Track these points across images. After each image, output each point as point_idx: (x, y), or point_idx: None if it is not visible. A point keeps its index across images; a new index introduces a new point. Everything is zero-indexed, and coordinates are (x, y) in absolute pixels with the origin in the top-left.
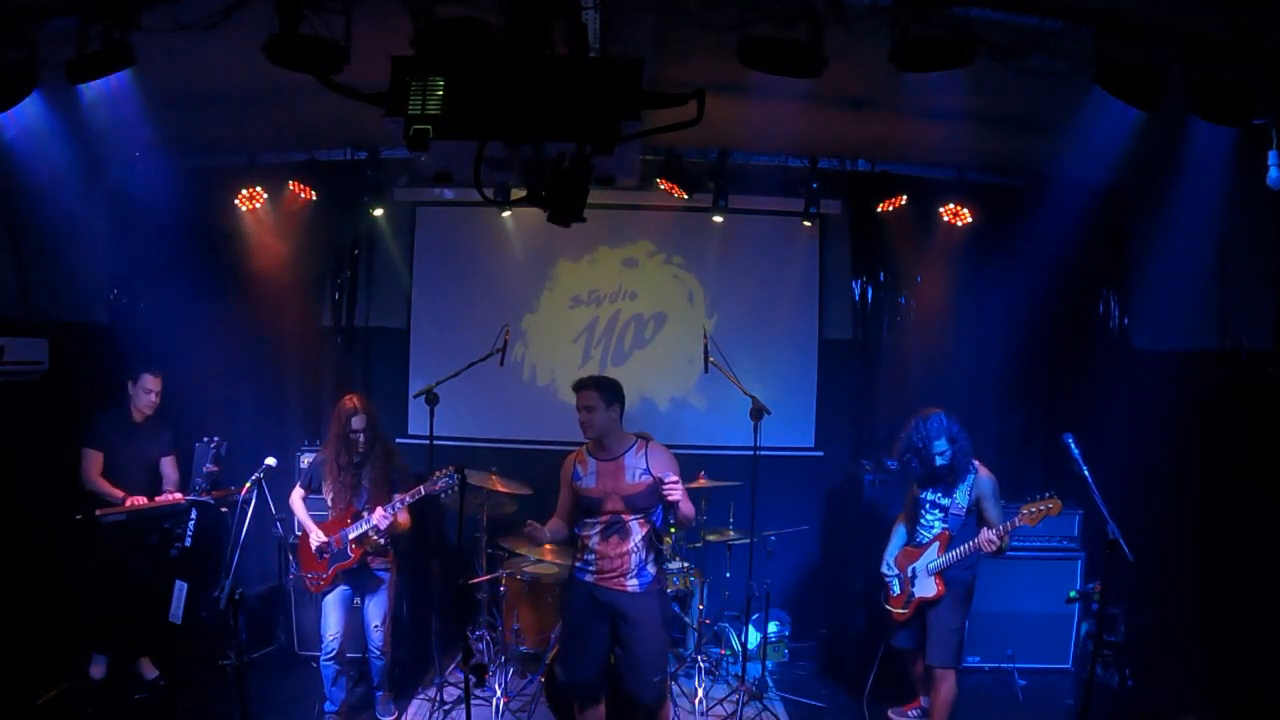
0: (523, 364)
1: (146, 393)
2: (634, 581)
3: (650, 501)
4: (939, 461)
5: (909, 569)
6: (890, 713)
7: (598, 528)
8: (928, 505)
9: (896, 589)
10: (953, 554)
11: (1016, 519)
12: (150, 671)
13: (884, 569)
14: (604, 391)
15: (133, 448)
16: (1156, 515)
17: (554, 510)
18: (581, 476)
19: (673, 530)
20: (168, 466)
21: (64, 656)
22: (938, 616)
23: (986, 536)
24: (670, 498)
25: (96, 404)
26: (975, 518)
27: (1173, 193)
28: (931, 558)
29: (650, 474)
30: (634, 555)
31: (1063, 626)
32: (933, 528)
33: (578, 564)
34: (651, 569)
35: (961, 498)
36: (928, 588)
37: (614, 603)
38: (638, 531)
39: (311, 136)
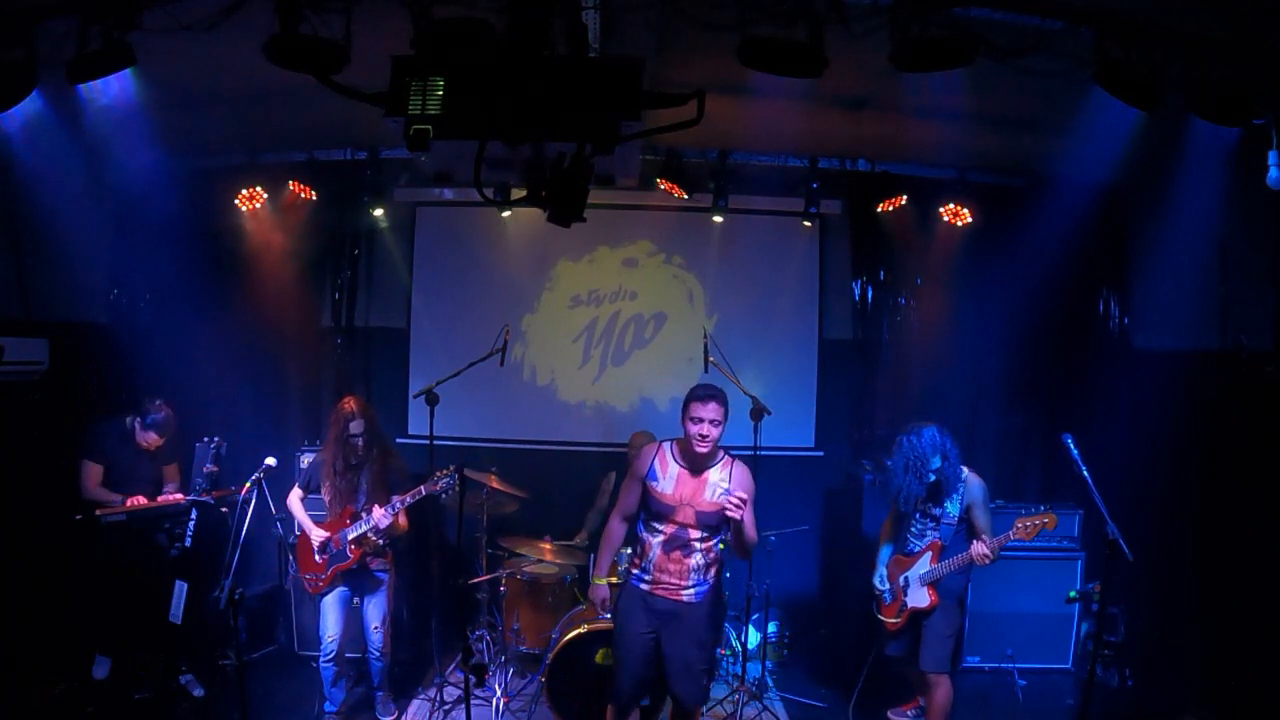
0: (523, 364)
1: (147, 445)
2: (690, 592)
3: (721, 522)
4: (931, 479)
5: (901, 578)
6: (889, 713)
7: (661, 537)
8: (917, 515)
9: (889, 598)
10: (945, 565)
11: (1011, 533)
12: (197, 689)
13: (876, 582)
14: (726, 406)
15: (136, 459)
16: (1156, 515)
17: (589, 509)
18: (659, 478)
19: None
20: (171, 474)
21: (64, 656)
22: (931, 624)
23: (979, 550)
24: (729, 514)
25: (96, 407)
26: (966, 525)
27: (1173, 193)
28: (924, 567)
29: (730, 494)
30: (694, 574)
31: (1063, 626)
32: (924, 536)
33: (635, 570)
34: (710, 579)
35: (952, 507)
36: (920, 598)
37: (668, 610)
38: (700, 551)
39: (311, 136)
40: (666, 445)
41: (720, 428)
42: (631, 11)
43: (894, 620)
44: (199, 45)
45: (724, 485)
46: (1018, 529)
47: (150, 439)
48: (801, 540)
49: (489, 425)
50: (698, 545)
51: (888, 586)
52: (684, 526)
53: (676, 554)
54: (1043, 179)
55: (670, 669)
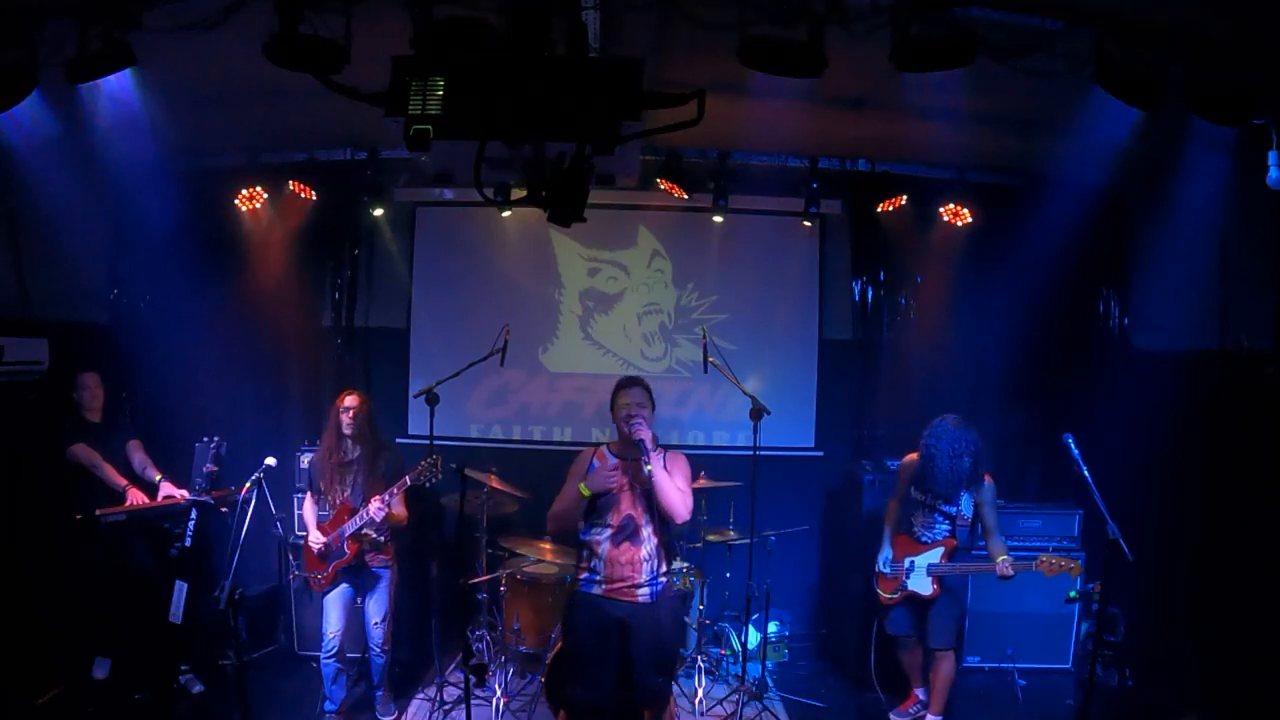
0: (523, 364)
1: (89, 390)
2: (644, 591)
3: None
4: (965, 464)
5: (907, 560)
6: (891, 714)
7: (609, 530)
8: (926, 509)
9: (890, 574)
10: (959, 566)
11: (1034, 564)
12: (196, 685)
13: (880, 562)
14: (649, 391)
15: (100, 446)
16: (1156, 515)
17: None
18: (600, 471)
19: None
20: (134, 451)
21: (64, 656)
22: (938, 609)
23: (1005, 570)
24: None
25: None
26: (975, 523)
27: (1173, 193)
28: (934, 559)
29: (669, 472)
30: (646, 564)
31: (1063, 626)
32: (933, 529)
33: (584, 575)
34: (663, 577)
35: (966, 507)
36: (924, 586)
37: (624, 615)
38: (650, 539)
39: (311, 136)
40: (602, 448)
41: (649, 409)
42: (631, 11)
43: (889, 596)
44: (199, 45)
45: (661, 467)
46: (1041, 563)
47: (88, 398)
48: (802, 540)
49: (489, 425)
50: (646, 534)
51: (890, 566)
52: (630, 515)
53: (625, 545)
54: (1043, 179)
55: (629, 673)
